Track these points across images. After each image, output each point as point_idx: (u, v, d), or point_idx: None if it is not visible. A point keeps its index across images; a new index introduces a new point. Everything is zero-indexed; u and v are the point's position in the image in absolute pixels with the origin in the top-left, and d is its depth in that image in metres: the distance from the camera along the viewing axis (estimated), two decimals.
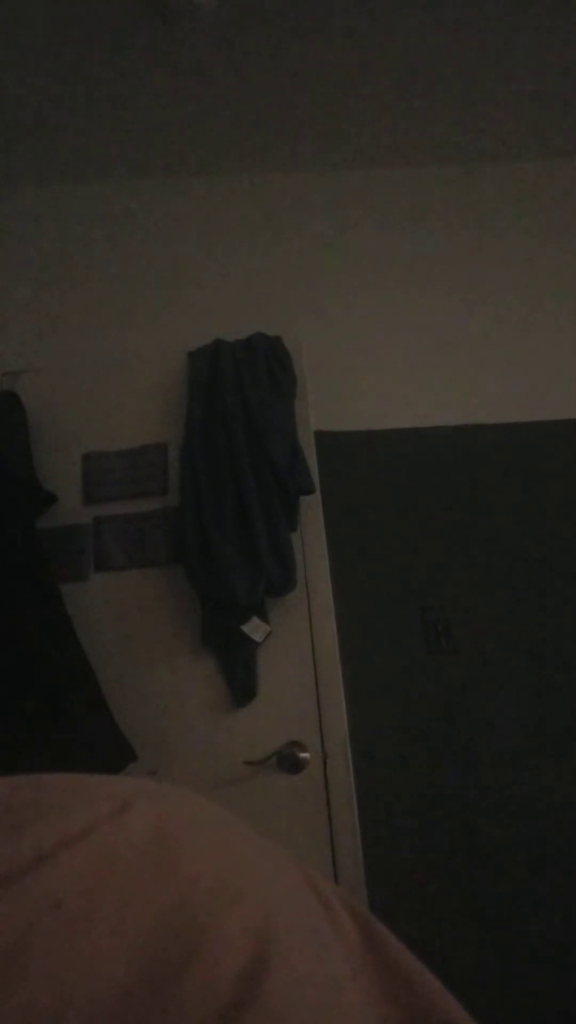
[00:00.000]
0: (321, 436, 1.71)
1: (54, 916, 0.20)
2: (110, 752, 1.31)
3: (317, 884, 0.28)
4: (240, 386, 1.62)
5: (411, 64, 1.75)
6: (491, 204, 2.07)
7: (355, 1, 1.56)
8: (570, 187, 2.10)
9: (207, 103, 1.83)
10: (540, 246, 2.02)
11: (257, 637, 1.44)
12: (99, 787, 0.28)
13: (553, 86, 1.86)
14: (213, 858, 0.25)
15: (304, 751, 1.39)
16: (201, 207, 2.04)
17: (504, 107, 1.91)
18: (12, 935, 0.20)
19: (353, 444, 1.72)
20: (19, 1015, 0.18)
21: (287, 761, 1.38)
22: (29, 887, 0.21)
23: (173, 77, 1.73)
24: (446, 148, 2.05)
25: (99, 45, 1.62)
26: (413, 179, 2.09)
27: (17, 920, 0.20)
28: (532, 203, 2.08)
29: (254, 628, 1.44)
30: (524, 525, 1.65)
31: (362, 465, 1.70)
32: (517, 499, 1.68)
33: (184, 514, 1.52)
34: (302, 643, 1.50)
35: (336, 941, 0.25)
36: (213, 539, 1.45)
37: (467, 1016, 0.25)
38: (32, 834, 0.23)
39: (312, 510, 1.61)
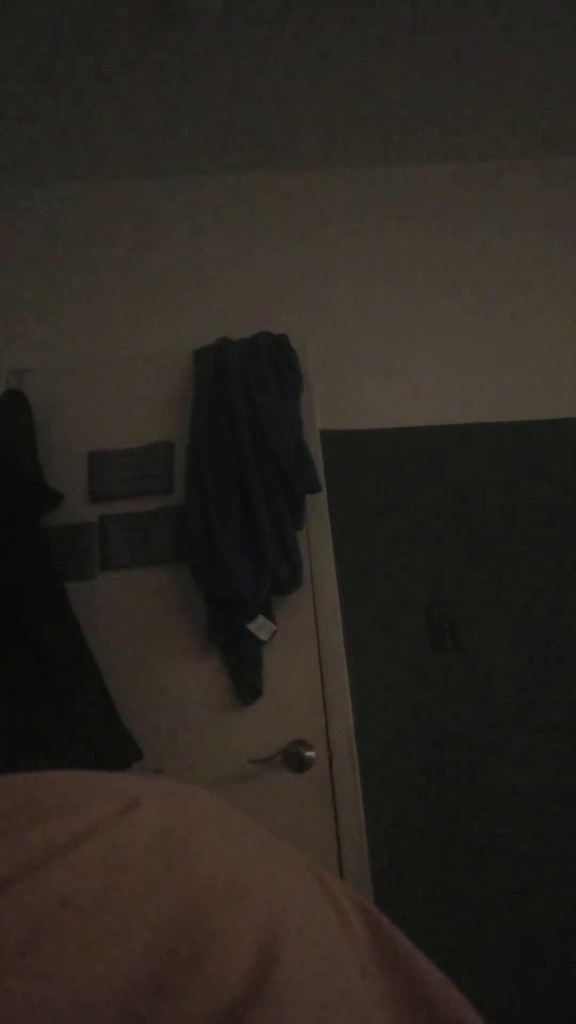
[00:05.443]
0: (327, 434, 1.71)
1: (62, 913, 0.20)
2: (115, 750, 1.32)
3: (326, 881, 0.28)
4: (246, 384, 1.61)
5: (411, 64, 1.74)
6: (493, 204, 2.06)
7: (356, 2, 1.56)
8: (571, 187, 2.09)
9: (212, 102, 1.82)
10: (542, 246, 2.01)
11: (263, 636, 1.44)
12: (108, 784, 0.28)
13: (554, 86, 1.85)
14: (221, 856, 0.25)
15: (310, 750, 1.39)
16: (206, 205, 2.04)
17: (504, 107, 1.91)
18: (21, 931, 0.20)
19: (359, 443, 1.72)
20: (26, 1011, 0.18)
21: (293, 759, 1.38)
22: (38, 883, 0.21)
23: (176, 76, 1.73)
24: (447, 148, 2.04)
25: (101, 45, 1.62)
26: (416, 178, 2.09)
27: (26, 916, 0.20)
28: (533, 203, 2.07)
29: (260, 627, 1.44)
30: (531, 523, 1.65)
31: (368, 463, 1.70)
32: (524, 498, 1.67)
33: (190, 512, 1.52)
34: (308, 641, 1.50)
35: (344, 938, 0.25)
36: (219, 537, 1.45)
37: (475, 1014, 0.25)
38: (41, 831, 0.23)
39: (318, 508, 1.61)
